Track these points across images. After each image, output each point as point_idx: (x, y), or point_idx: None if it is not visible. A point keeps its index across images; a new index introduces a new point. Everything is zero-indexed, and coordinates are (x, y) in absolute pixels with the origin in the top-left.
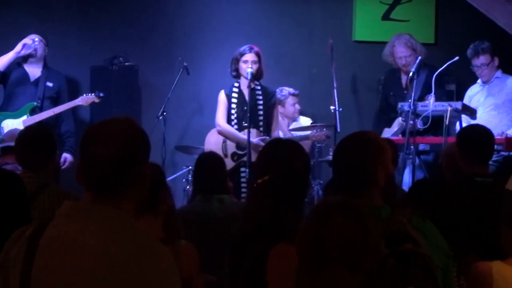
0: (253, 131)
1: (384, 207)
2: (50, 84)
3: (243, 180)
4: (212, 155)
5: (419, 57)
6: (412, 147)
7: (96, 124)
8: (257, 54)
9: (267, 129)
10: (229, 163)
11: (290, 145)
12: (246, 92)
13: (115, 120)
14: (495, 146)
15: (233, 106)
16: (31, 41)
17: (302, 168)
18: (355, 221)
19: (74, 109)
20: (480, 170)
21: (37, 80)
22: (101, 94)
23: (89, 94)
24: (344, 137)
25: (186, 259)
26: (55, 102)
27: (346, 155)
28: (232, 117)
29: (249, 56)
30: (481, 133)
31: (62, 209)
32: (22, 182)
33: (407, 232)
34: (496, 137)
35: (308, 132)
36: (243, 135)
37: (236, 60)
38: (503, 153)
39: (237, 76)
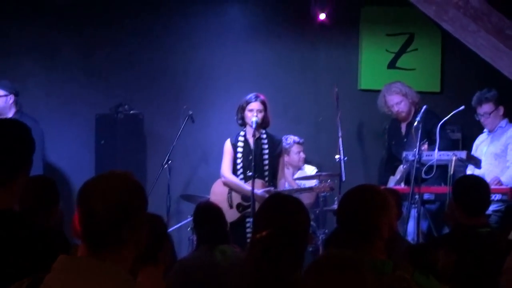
0: (258, 181)
1: (387, 262)
2: None
3: (248, 230)
4: (209, 205)
5: (425, 106)
6: (417, 196)
7: (94, 178)
8: (263, 103)
9: (273, 178)
10: (235, 214)
11: (291, 200)
12: (251, 141)
13: (113, 175)
14: (500, 196)
15: (239, 155)
16: None
17: (302, 223)
18: (354, 277)
19: (79, 158)
20: (478, 221)
21: None
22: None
23: None
24: (349, 190)
25: None
26: None
27: (351, 207)
28: (238, 166)
29: (255, 105)
30: (475, 185)
31: (57, 263)
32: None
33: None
34: (500, 187)
35: (312, 183)
36: (247, 186)
37: (242, 109)
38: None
39: (243, 124)
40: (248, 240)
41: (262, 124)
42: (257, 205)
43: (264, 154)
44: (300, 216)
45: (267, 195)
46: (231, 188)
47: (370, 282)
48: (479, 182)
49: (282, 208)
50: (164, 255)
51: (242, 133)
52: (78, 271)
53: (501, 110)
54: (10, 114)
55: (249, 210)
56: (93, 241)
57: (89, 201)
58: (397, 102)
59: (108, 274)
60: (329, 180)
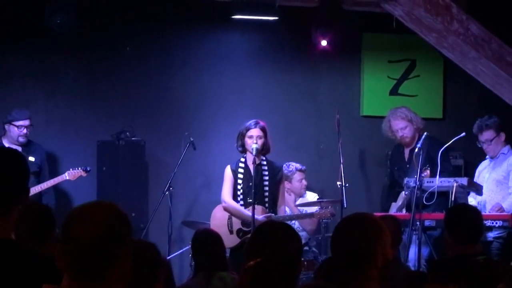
0: (259, 207)
1: None
2: (32, 159)
3: None
4: (207, 232)
5: (425, 133)
6: (418, 223)
7: (78, 207)
8: (263, 129)
9: (273, 205)
10: (235, 240)
11: (282, 227)
12: (252, 167)
13: (97, 203)
14: (501, 223)
15: (239, 181)
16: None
17: (294, 251)
18: None
19: (81, 184)
20: (471, 250)
21: None
22: (89, 168)
23: (77, 169)
24: (343, 219)
25: None
26: (38, 176)
27: (344, 236)
28: (238, 192)
29: (254, 132)
30: (466, 214)
31: None
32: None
33: None
34: (501, 214)
35: (314, 209)
36: (248, 212)
37: (242, 135)
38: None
39: (243, 151)
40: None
41: (262, 151)
42: None
43: (264, 180)
44: (292, 243)
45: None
46: (231, 213)
47: None
48: (469, 210)
49: (273, 236)
50: (159, 284)
51: (242, 159)
52: None
53: (503, 136)
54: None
55: (249, 236)
56: (74, 272)
57: (73, 226)
58: (401, 128)
59: None
60: (330, 207)
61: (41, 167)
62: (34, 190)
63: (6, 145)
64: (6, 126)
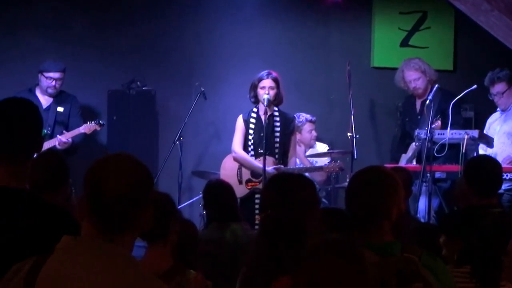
0: (269, 158)
1: (395, 243)
2: (60, 109)
3: (257, 206)
4: (220, 182)
5: (436, 85)
6: (428, 175)
7: (102, 159)
8: (275, 80)
9: (284, 156)
10: (244, 190)
11: (293, 179)
12: (264, 118)
13: (122, 156)
14: (510, 175)
15: (250, 132)
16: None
17: (305, 201)
18: (351, 263)
19: (92, 133)
20: (489, 201)
21: (48, 107)
22: (103, 122)
23: (91, 122)
24: (357, 172)
25: None
26: (66, 126)
27: (358, 191)
28: (249, 143)
29: (266, 82)
30: (487, 165)
31: (61, 243)
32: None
33: (417, 271)
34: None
35: (324, 161)
36: (258, 163)
37: (254, 86)
38: None
39: (256, 102)
40: (257, 217)
41: (275, 101)
42: None
43: (276, 131)
44: (303, 193)
45: (276, 172)
46: (241, 163)
47: (368, 268)
48: (491, 162)
49: (285, 186)
50: (172, 234)
51: (255, 109)
52: (82, 253)
53: None
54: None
55: (258, 186)
56: (101, 222)
57: (100, 182)
58: (415, 79)
59: (114, 256)
60: (338, 161)
61: (70, 118)
62: (53, 142)
63: (39, 94)
64: (39, 75)
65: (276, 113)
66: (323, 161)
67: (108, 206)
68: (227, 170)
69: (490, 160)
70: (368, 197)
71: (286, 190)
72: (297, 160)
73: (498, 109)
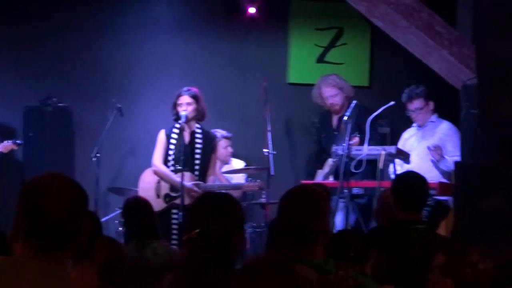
0: (188, 174)
1: (330, 261)
2: None
3: (174, 222)
4: (139, 200)
5: (354, 102)
6: (345, 191)
7: (38, 179)
8: (193, 96)
9: (203, 173)
10: (161, 204)
11: (223, 199)
12: (185, 134)
13: (57, 176)
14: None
15: (171, 147)
16: None
17: (234, 223)
18: (286, 280)
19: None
20: (414, 217)
21: None
22: (20, 142)
23: (8, 142)
24: (291, 191)
25: None
26: None
27: (295, 209)
28: (169, 157)
29: (184, 99)
30: (416, 182)
31: None
32: None
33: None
34: (429, 182)
35: (240, 177)
36: (177, 178)
37: (174, 104)
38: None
39: (177, 118)
40: (174, 232)
41: (195, 118)
42: (185, 198)
43: (196, 148)
44: (233, 215)
45: (195, 188)
46: (161, 177)
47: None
48: (419, 178)
49: (214, 207)
50: (98, 253)
51: (177, 125)
52: (18, 273)
53: (431, 105)
54: None
55: (176, 201)
56: (38, 242)
57: (40, 201)
58: (332, 95)
59: (52, 277)
60: (258, 180)
61: None
62: None
63: None
64: None
65: (199, 130)
66: (239, 177)
67: (49, 225)
68: (146, 183)
69: (418, 177)
70: (305, 217)
71: (217, 211)
72: (216, 180)
73: (413, 124)
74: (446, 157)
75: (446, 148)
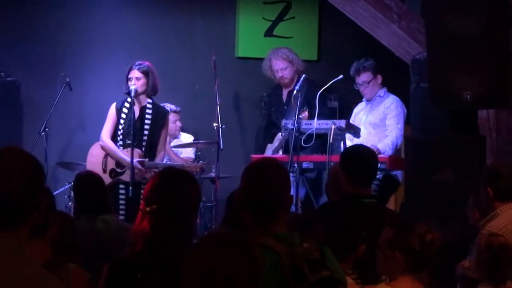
0: (136, 150)
1: (293, 234)
2: None
3: (121, 197)
4: (89, 174)
5: (303, 75)
6: (295, 165)
7: None
8: (143, 71)
9: (151, 149)
10: (107, 179)
11: (183, 175)
12: (136, 108)
13: (12, 150)
14: (378, 165)
15: (121, 121)
16: None
17: (193, 198)
18: (242, 254)
19: None
20: (363, 192)
21: None
22: None
23: None
24: (252, 164)
25: (75, 283)
26: None
27: (257, 182)
28: (119, 132)
29: (133, 73)
30: (364, 155)
31: None
32: None
33: (324, 260)
34: (378, 156)
35: (189, 151)
36: (123, 154)
37: (126, 78)
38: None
39: (128, 93)
40: (121, 207)
41: (145, 92)
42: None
43: (145, 124)
44: (192, 190)
45: (139, 166)
46: (108, 153)
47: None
48: (368, 152)
49: (175, 182)
50: (50, 227)
51: (129, 99)
52: None
53: (379, 79)
54: None
55: (121, 177)
56: None
57: None
58: (282, 68)
59: (10, 251)
60: (200, 161)
61: None
62: None
63: None
64: None
65: (149, 105)
66: (188, 151)
67: (5, 200)
68: (94, 157)
69: (367, 150)
70: (275, 189)
71: (178, 186)
72: (165, 157)
73: (363, 99)
74: (378, 146)
75: (385, 122)
